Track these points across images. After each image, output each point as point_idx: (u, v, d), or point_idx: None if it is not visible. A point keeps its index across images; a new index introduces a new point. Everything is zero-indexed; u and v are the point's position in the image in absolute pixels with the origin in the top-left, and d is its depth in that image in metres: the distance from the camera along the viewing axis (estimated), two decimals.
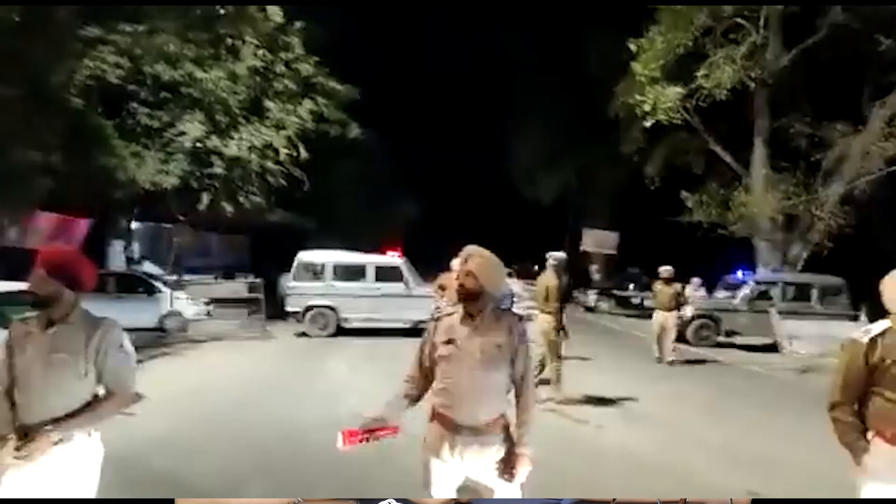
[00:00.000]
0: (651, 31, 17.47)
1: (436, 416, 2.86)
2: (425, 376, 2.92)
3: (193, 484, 4.97)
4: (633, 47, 17.51)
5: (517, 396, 2.89)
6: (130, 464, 4.96)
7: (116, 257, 17.34)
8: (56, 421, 2.52)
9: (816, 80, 18.18)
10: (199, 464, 5.43)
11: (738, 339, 14.21)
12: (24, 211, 12.22)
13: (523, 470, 2.80)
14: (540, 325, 8.28)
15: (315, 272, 13.79)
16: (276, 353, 11.75)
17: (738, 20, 17.29)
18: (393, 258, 14.18)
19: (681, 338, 14.01)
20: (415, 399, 2.96)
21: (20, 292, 3.79)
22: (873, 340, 2.77)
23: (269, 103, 16.63)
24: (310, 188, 17.68)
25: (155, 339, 12.37)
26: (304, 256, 13.94)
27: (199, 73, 14.84)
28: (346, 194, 23.23)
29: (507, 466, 2.80)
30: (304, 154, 16.35)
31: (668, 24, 17.32)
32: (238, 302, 14.79)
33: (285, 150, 16.14)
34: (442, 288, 10.51)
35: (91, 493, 2.66)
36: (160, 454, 5.62)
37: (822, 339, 11.79)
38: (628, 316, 20.21)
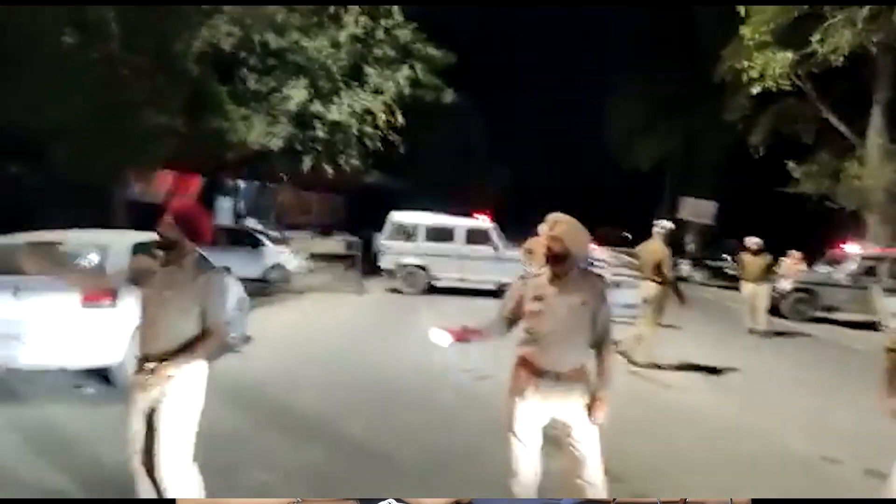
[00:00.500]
0: None
1: (523, 363, 3.21)
2: (509, 322, 3.30)
3: (293, 408, 5.61)
4: (742, 11, 16.68)
5: (598, 349, 3.22)
6: (244, 392, 5.74)
7: (224, 213, 18.63)
8: (166, 355, 2.92)
9: None
10: (301, 397, 6.04)
11: (837, 315, 13.63)
12: (152, 168, 13.39)
13: (601, 413, 3.15)
14: (646, 291, 8.36)
15: (407, 233, 14.35)
16: (372, 305, 12.56)
17: None
18: (482, 221, 14.52)
19: (775, 310, 13.66)
20: (506, 328, 3.34)
21: (148, 242, 4.25)
22: None
23: (368, 69, 17.13)
24: (404, 151, 18.22)
25: (259, 289, 13.36)
26: (396, 217, 14.51)
27: (304, 41, 15.50)
28: (438, 158, 23.66)
29: (589, 409, 3.14)
30: (400, 119, 16.79)
31: None
32: (336, 258, 15.63)
33: (383, 115, 16.65)
34: (529, 252, 10.75)
35: (198, 411, 3.08)
36: (269, 385, 6.33)
37: None
38: (721, 287, 19.69)
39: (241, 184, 19.43)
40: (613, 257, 13.47)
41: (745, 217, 22.58)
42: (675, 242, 28.45)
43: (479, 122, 27.33)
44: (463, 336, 3.30)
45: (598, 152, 31.00)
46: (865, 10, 15.81)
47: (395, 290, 14.24)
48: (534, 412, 3.16)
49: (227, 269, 8.00)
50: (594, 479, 3.14)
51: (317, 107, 16.06)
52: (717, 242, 24.08)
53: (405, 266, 14.18)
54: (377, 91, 17.07)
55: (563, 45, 28.88)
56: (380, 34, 17.56)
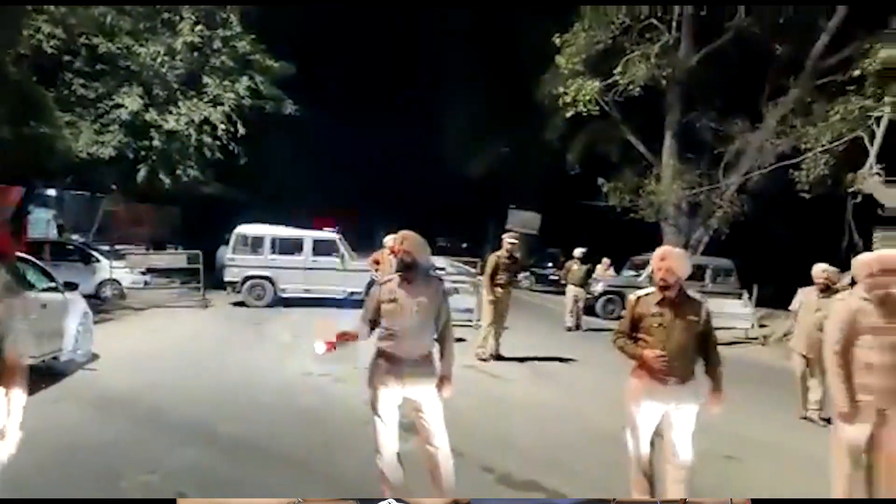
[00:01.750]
0: (575, 27, 18.70)
1: (382, 354, 3.89)
2: (372, 324, 3.95)
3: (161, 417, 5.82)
4: (557, 41, 18.69)
5: (441, 338, 4.02)
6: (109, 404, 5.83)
7: (39, 225, 17.26)
8: None
9: (722, 79, 19.98)
10: (167, 407, 6.24)
11: None
12: None
13: (448, 389, 3.94)
14: (491, 296, 9.50)
15: (253, 245, 14.41)
16: (216, 320, 12.43)
17: (653, 21, 18.72)
18: (329, 233, 14.96)
19: (590, 311, 15.54)
20: (367, 333, 3.97)
21: None
22: None
23: (206, 79, 16.91)
24: (246, 162, 18.12)
25: (93, 306, 12.73)
26: (242, 229, 14.51)
27: (137, 47, 15.01)
28: (282, 169, 23.62)
29: (438, 387, 3.91)
30: (240, 129, 16.74)
31: (591, 21, 18.58)
32: (176, 272, 15.22)
33: (222, 126, 16.51)
34: (377, 262, 11.50)
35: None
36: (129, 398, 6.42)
37: None
38: (545, 291, 21.73)
39: (65, 194, 18.16)
40: (452, 266, 14.55)
41: (564, 228, 25.01)
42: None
43: (324, 133, 27.53)
44: (341, 339, 3.88)
45: (438, 165, 32.26)
46: (657, 47, 18.45)
47: (240, 304, 14.21)
48: (392, 395, 3.84)
49: (72, 286, 7.87)
50: (442, 445, 3.88)
51: (152, 115, 15.59)
52: (542, 251, 26.26)
53: (251, 278, 14.21)
54: (216, 101, 16.88)
55: (406, 54, 29.76)
56: (217, 44, 17.40)
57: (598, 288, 15.51)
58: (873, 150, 13.84)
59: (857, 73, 14.15)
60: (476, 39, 27.38)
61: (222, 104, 16.84)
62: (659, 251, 3.85)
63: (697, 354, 3.80)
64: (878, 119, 13.83)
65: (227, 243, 14.68)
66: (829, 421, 6.44)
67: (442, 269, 14.85)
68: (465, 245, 25.91)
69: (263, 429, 5.64)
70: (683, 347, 3.71)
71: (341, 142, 30.56)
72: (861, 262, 3.94)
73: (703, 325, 3.77)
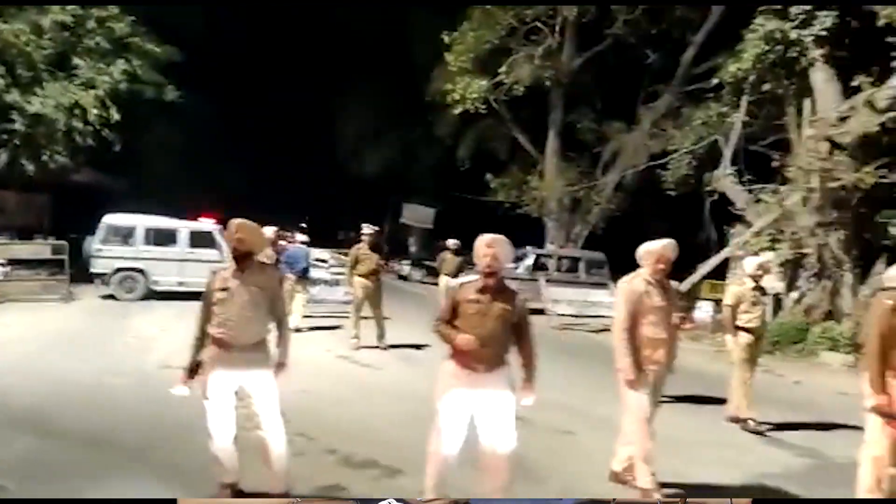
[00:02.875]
0: (463, 25, 19.15)
1: (215, 341, 3.94)
2: (210, 316, 3.97)
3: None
4: (446, 39, 19.07)
5: (278, 326, 4.11)
6: None
7: None
8: None
9: (601, 82, 21.13)
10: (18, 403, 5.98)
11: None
12: None
13: (284, 375, 4.04)
14: (360, 287, 9.55)
15: (123, 235, 13.80)
16: (80, 314, 11.81)
17: (538, 24, 19.50)
18: (207, 224, 14.54)
19: None
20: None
21: None
22: None
23: (78, 60, 15.99)
24: (122, 149, 17.27)
25: None
26: (111, 219, 13.84)
27: None
28: (163, 158, 22.66)
29: (274, 373, 4.00)
30: (115, 115, 15.94)
31: (479, 21, 19.10)
32: (42, 263, 14.31)
33: (94, 110, 15.66)
34: None
35: None
36: None
37: (578, 304, 14.30)
38: (434, 284, 22.07)
39: None
40: (333, 257, 14.58)
41: (458, 222, 25.50)
42: (400, 244, 30.70)
43: (212, 123, 26.58)
44: (195, 374, 3.93)
45: (331, 157, 32.00)
46: (541, 50, 19.24)
47: (109, 297, 13.59)
48: (224, 380, 3.90)
49: None
50: (273, 430, 3.99)
51: (14, 97, 14.56)
52: (435, 245, 26.66)
53: (121, 271, 13.61)
54: (89, 85, 15.99)
55: (299, 47, 29.19)
56: (91, 24, 16.47)
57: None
58: (727, 153, 15.09)
59: (715, 81, 15.34)
60: (371, 35, 27.34)
61: (95, 88, 15.98)
62: (486, 238, 3.82)
63: (510, 344, 3.84)
64: (732, 125, 15.10)
65: (94, 234, 13.95)
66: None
67: (324, 261, 14.84)
68: (341, 238, 25.92)
69: (108, 421, 5.53)
70: (495, 335, 3.72)
71: (233, 135, 29.64)
72: (648, 250, 4.52)
73: (517, 316, 3.82)
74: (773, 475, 5.11)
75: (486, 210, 22.69)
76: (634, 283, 4.49)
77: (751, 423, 6.41)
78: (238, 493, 3.99)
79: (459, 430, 3.78)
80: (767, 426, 6.43)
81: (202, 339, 3.96)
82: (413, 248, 29.29)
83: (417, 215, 28.29)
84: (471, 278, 3.88)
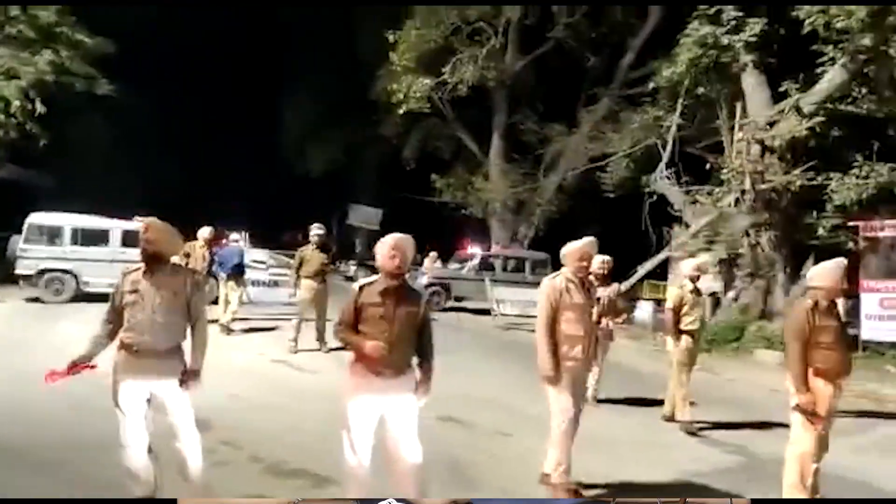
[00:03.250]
0: (407, 24, 18.99)
1: (125, 346, 3.71)
2: (119, 317, 3.74)
3: None
4: (390, 38, 18.87)
5: (192, 331, 3.87)
6: None
7: None
8: None
9: (544, 85, 21.32)
10: None
11: (466, 304, 16.35)
12: None
13: (194, 383, 3.78)
14: (307, 290, 9.34)
15: (50, 235, 13.15)
16: (2, 317, 11.19)
17: (482, 24, 19.51)
18: (141, 223, 13.97)
19: None
20: (112, 335, 3.78)
21: None
22: None
23: (0, 49, 15.14)
24: (50, 145, 16.45)
25: None
26: (36, 218, 13.19)
27: None
28: (92, 155, 21.71)
29: (183, 380, 3.74)
30: (39, 108, 15.16)
31: (423, 19, 18.97)
32: None
33: (17, 102, 14.87)
34: (187, 255, 10.98)
35: None
36: None
37: (523, 304, 14.35)
38: None
39: None
40: (272, 258, 14.24)
41: (404, 223, 25.36)
42: (347, 245, 30.23)
43: (147, 118, 25.65)
44: (73, 370, 3.68)
45: (275, 154, 31.27)
46: (485, 51, 19.26)
47: (35, 300, 12.92)
48: (135, 388, 3.67)
49: None
50: (190, 441, 3.77)
51: None
52: None
53: (48, 272, 12.96)
54: (11, 75, 15.17)
55: (242, 39, 28.44)
56: (15, 11, 15.63)
57: (422, 280, 15.90)
58: (665, 156, 15.41)
59: (651, 86, 15.66)
60: (316, 33, 26.89)
61: (18, 78, 15.17)
62: (391, 240, 3.68)
63: (414, 346, 3.74)
64: (669, 128, 15.44)
65: (20, 232, 13.26)
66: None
67: (262, 262, 14.47)
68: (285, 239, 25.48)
69: (19, 431, 5.19)
70: (403, 339, 3.62)
71: (170, 132, 28.61)
72: (570, 249, 4.61)
73: (420, 318, 3.73)
74: (703, 473, 5.17)
75: (431, 211, 22.64)
76: (555, 280, 4.55)
77: (686, 423, 6.48)
78: None
79: (368, 436, 3.65)
80: (702, 426, 6.53)
81: (101, 339, 3.76)
82: (359, 249, 28.96)
83: (364, 216, 28.01)
84: (371, 279, 3.75)
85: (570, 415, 4.43)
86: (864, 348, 11.68)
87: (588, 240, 4.63)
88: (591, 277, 7.41)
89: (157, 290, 3.67)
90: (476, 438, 5.85)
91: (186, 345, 3.86)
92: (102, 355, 3.78)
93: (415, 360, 3.80)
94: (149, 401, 3.74)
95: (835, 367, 4.29)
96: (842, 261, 4.50)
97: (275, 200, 33.59)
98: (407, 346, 3.69)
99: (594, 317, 4.64)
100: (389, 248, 3.63)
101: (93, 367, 3.72)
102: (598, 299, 4.91)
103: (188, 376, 3.76)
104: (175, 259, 4.12)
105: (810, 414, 4.21)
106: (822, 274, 4.44)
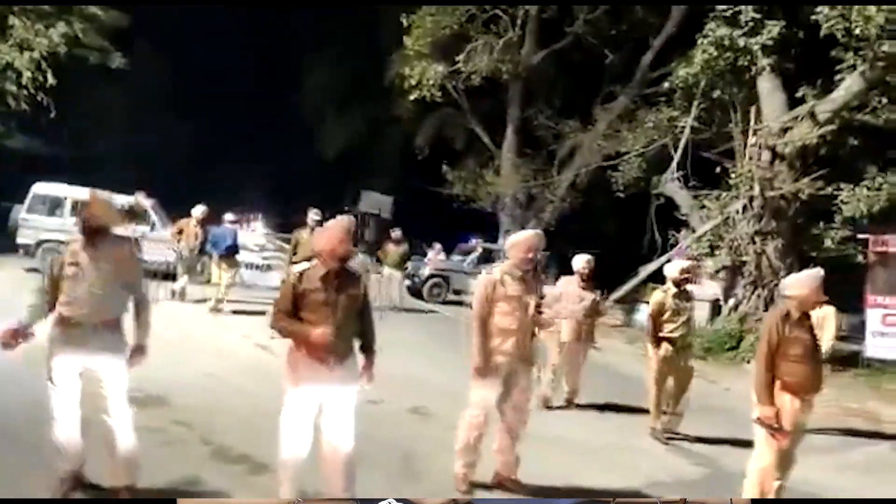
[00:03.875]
0: (422, 8, 18.67)
1: (62, 319, 3.63)
2: (55, 290, 3.66)
3: None
4: (404, 21, 18.60)
5: (135, 305, 3.81)
6: None
7: None
8: None
9: (561, 80, 20.99)
10: None
11: (465, 297, 16.15)
12: None
13: (140, 358, 3.76)
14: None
15: (51, 206, 13.22)
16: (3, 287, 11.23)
17: (499, 12, 19.14)
18: (140, 198, 13.97)
19: (418, 294, 15.81)
20: (50, 307, 3.69)
21: None
22: None
23: (14, 20, 15.19)
24: (61, 117, 16.52)
25: None
26: (40, 188, 13.27)
27: None
28: (105, 127, 21.82)
29: (130, 355, 3.72)
30: (51, 79, 15.20)
31: (437, 4, 18.64)
32: None
33: (28, 73, 14.92)
34: (180, 232, 10.96)
35: None
36: None
37: None
38: None
39: None
40: (270, 242, 14.17)
41: (414, 213, 25.15)
42: (355, 232, 30.35)
43: (159, 91, 25.68)
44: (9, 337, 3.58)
45: (292, 131, 30.89)
46: (501, 42, 18.95)
47: (34, 270, 12.97)
48: (70, 362, 3.59)
49: None
50: (120, 417, 3.68)
51: None
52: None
53: (48, 242, 13.00)
54: (24, 46, 15.22)
55: (263, 26, 28.24)
56: None
57: (424, 272, 15.78)
58: (676, 157, 15.09)
59: (666, 85, 15.32)
60: (335, 15, 26.59)
61: (31, 50, 15.21)
62: (344, 222, 3.69)
63: (357, 331, 3.72)
64: (682, 129, 15.09)
65: (23, 202, 13.35)
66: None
67: (261, 245, 14.41)
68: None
69: None
70: (346, 324, 3.58)
71: (182, 106, 28.43)
72: (514, 241, 4.53)
73: (362, 302, 3.72)
74: (663, 483, 4.99)
75: (441, 203, 22.40)
76: (493, 272, 4.47)
77: (658, 431, 6.26)
78: (81, 484, 3.68)
79: (308, 426, 3.58)
80: (677, 437, 6.27)
81: (39, 309, 3.69)
82: (369, 237, 28.87)
83: (376, 203, 27.94)
84: (307, 265, 3.66)
85: (486, 410, 4.36)
86: (868, 365, 11.38)
87: (534, 231, 4.63)
88: (582, 277, 7.25)
89: (97, 262, 3.60)
90: (433, 430, 5.69)
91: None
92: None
93: (358, 344, 3.75)
94: (81, 374, 3.66)
95: (803, 382, 4.10)
96: (818, 271, 4.30)
97: (291, 183, 33.41)
98: (350, 332, 3.65)
99: (536, 311, 4.47)
100: (343, 232, 3.59)
101: (31, 335, 3.63)
102: (543, 296, 4.74)
103: (135, 351, 3.73)
104: (118, 231, 4.04)
105: (772, 428, 4.02)
106: (797, 283, 4.24)
